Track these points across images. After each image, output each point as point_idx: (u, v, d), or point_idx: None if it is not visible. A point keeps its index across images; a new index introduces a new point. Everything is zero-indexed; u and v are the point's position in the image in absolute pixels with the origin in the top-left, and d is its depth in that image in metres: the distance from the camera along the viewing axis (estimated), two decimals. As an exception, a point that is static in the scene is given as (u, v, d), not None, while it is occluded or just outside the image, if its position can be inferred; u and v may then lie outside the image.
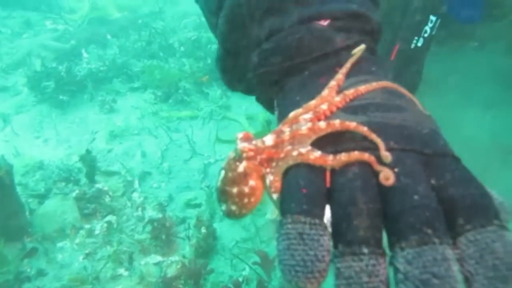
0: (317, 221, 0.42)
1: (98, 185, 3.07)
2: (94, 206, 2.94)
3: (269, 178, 0.48)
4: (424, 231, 0.38)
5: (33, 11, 5.30)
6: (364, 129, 0.45)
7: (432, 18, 2.37)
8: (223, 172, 0.52)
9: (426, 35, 2.40)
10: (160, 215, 2.79)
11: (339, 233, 0.41)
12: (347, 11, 0.60)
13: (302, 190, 0.44)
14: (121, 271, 2.56)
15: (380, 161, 0.43)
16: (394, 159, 0.43)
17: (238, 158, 0.51)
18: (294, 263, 0.40)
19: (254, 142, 0.51)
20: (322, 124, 0.48)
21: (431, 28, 2.39)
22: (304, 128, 0.48)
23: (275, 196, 0.47)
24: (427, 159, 0.44)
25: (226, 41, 0.68)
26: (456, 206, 0.40)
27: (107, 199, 3.01)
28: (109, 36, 4.78)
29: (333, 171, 0.45)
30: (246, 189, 0.50)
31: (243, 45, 0.65)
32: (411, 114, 0.50)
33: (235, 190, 0.51)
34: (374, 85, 0.53)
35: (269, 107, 0.66)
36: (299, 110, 0.52)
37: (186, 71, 4.01)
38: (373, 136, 0.45)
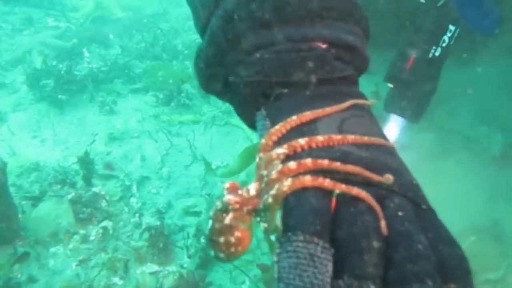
0: (327, 245, 0.41)
1: (94, 189, 2.97)
2: (89, 211, 2.84)
3: (264, 226, 0.48)
4: (426, 282, 0.39)
5: (35, 8, 5.22)
6: (350, 167, 0.45)
7: (451, 27, 2.28)
8: (211, 222, 0.53)
9: (444, 44, 2.32)
10: (158, 223, 2.69)
11: (347, 265, 0.40)
12: (345, 41, 0.60)
13: (316, 210, 0.43)
14: (116, 279, 2.46)
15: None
16: (398, 202, 0.44)
17: (225, 210, 0.51)
18: (301, 285, 0.39)
19: (240, 192, 0.51)
20: (292, 164, 0.47)
21: (450, 38, 2.30)
22: (274, 173, 0.48)
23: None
24: (417, 209, 0.46)
25: (215, 40, 0.65)
26: (443, 264, 0.41)
27: (104, 203, 2.91)
28: (111, 36, 4.70)
29: (341, 199, 0.45)
30: (233, 240, 0.51)
31: (232, 47, 0.62)
32: (399, 164, 0.52)
33: (222, 240, 0.52)
34: (366, 139, 0.52)
35: (247, 117, 0.65)
36: (276, 150, 0.51)
37: (189, 74, 3.93)
38: (367, 173, 0.45)
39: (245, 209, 0.51)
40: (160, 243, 2.57)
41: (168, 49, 4.43)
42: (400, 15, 2.72)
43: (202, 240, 2.44)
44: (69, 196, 2.84)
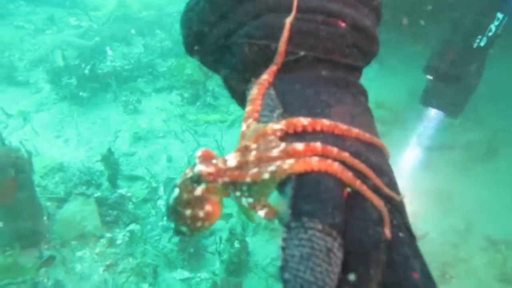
0: (343, 243, 0.38)
1: (120, 191, 2.86)
2: (116, 213, 2.73)
3: (248, 201, 0.45)
4: None
5: (57, 7, 5.18)
6: (363, 167, 0.43)
7: (499, 15, 2.10)
8: (177, 191, 0.49)
9: (490, 34, 2.13)
10: (187, 226, 2.56)
11: (350, 271, 0.37)
12: (365, 27, 0.56)
13: (336, 200, 0.40)
14: (145, 286, 2.33)
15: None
16: (398, 224, 0.42)
17: (196, 180, 0.47)
18: (311, 280, 0.35)
19: (214, 161, 0.46)
20: (299, 145, 0.43)
21: (497, 27, 2.12)
22: (275, 151, 0.44)
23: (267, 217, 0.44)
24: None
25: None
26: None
27: (130, 206, 2.80)
28: (134, 33, 4.62)
29: (353, 196, 0.41)
30: (201, 214, 0.47)
31: (237, 5, 0.57)
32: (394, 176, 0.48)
33: (188, 212, 0.47)
34: (367, 136, 0.48)
35: (238, 84, 0.58)
36: (270, 124, 0.47)
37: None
38: (371, 174, 0.43)
39: (220, 180, 0.45)
40: (191, 248, 2.44)
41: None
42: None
43: (236, 245, 2.30)
44: (95, 198, 2.74)
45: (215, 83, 3.71)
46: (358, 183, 0.41)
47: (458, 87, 2.29)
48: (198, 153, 0.48)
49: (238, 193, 0.45)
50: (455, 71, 2.21)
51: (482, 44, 2.14)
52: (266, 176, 0.43)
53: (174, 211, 0.49)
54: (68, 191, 2.83)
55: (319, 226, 0.37)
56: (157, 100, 3.77)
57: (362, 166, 0.43)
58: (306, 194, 0.40)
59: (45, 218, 2.62)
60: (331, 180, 0.41)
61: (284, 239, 0.38)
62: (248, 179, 0.44)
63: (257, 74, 0.54)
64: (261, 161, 0.44)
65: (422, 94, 2.39)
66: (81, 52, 4.23)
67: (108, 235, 2.61)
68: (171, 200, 0.49)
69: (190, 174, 0.48)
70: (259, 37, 0.54)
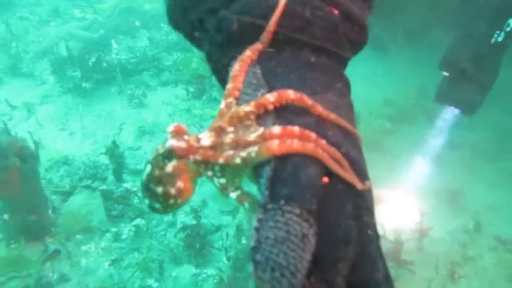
0: (317, 231, 0.37)
1: (126, 185, 2.84)
2: (121, 208, 2.71)
3: (220, 181, 0.44)
4: None
5: (62, -1, 5.13)
6: (332, 150, 0.42)
7: None
8: (148, 167, 0.48)
9: (508, 29, 2.09)
10: (193, 222, 2.55)
11: (319, 266, 0.36)
12: (357, 18, 0.55)
13: (315, 187, 0.39)
14: (151, 281, 2.32)
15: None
16: (369, 221, 0.42)
17: (167, 155, 0.46)
18: (284, 264, 0.34)
19: (187, 137, 0.46)
20: (276, 129, 0.42)
21: None
22: (253, 136, 0.43)
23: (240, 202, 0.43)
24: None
25: None
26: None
27: (135, 200, 2.78)
28: (138, 25, 4.58)
29: (330, 185, 0.41)
30: (173, 191, 0.47)
31: None
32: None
33: (159, 189, 0.47)
34: (341, 120, 0.47)
35: (220, 59, 0.56)
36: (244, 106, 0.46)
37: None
38: (345, 164, 0.42)
39: (191, 158, 0.45)
40: (197, 243, 2.42)
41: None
42: None
43: (243, 241, 2.28)
44: (100, 192, 2.71)
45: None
46: (336, 167, 0.41)
47: (475, 84, 2.25)
48: (170, 128, 0.47)
49: (210, 173, 0.45)
50: (472, 67, 2.17)
51: (500, 39, 2.09)
52: (239, 159, 0.42)
53: (147, 188, 0.48)
54: (73, 184, 2.81)
55: (297, 211, 0.36)
56: (163, 94, 3.74)
57: (338, 155, 0.42)
58: (284, 178, 0.39)
59: (50, 211, 2.60)
60: (311, 166, 0.40)
61: (259, 220, 0.36)
62: (221, 160, 0.43)
63: (241, 51, 0.53)
64: (238, 144, 0.44)
65: (437, 91, 2.35)
66: (86, 45, 4.20)
67: (114, 229, 2.59)
68: (143, 177, 0.49)
69: (161, 150, 0.47)
70: (250, 14, 0.53)
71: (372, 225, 0.42)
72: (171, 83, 3.85)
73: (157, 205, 0.48)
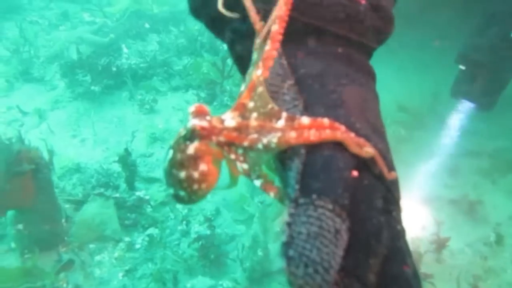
0: (349, 225, 0.37)
1: (138, 193, 2.82)
2: (134, 217, 2.69)
3: (243, 166, 0.43)
4: None
5: (71, 3, 5.13)
6: (370, 149, 0.41)
7: None
8: (171, 152, 0.46)
9: None
10: (208, 232, 2.52)
11: (350, 262, 0.36)
12: (385, 9, 0.54)
13: (346, 181, 0.38)
14: (165, 293, 2.30)
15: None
16: (398, 212, 0.42)
17: (189, 137, 0.44)
18: (318, 260, 0.34)
19: (209, 118, 0.45)
20: (305, 120, 0.41)
21: None
22: (280, 123, 0.42)
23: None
24: None
25: None
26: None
27: (148, 209, 2.76)
28: (148, 29, 4.56)
29: (360, 177, 0.40)
30: (196, 174, 0.45)
31: None
32: None
33: (182, 174, 0.45)
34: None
35: (245, 48, 0.54)
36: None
37: (228, 71, 3.73)
38: (379, 159, 0.41)
39: (214, 139, 0.43)
40: (211, 254, 2.39)
41: (207, 45, 4.26)
42: None
43: (259, 253, 2.25)
44: (113, 200, 2.70)
45: (232, 83, 3.65)
46: (371, 150, 0.39)
47: (491, 78, 2.21)
48: (192, 108, 0.45)
49: (232, 156, 0.43)
50: (489, 61, 2.13)
51: None
52: (261, 145, 0.41)
53: (170, 175, 0.46)
54: (86, 192, 2.79)
55: (330, 206, 0.36)
56: (173, 99, 3.72)
57: (370, 148, 0.41)
58: (316, 171, 0.38)
59: (63, 220, 2.59)
60: (342, 158, 0.39)
61: (291, 215, 0.36)
62: (246, 143, 0.42)
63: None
64: (263, 128, 0.43)
65: (453, 85, 2.30)
66: (96, 49, 4.18)
67: (127, 239, 2.57)
68: (166, 163, 0.47)
69: (183, 133, 0.45)
70: (274, 3, 0.51)
71: (400, 220, 0.42)
72: (181, 88, 3.83)
73: (182, 193, 0.46)
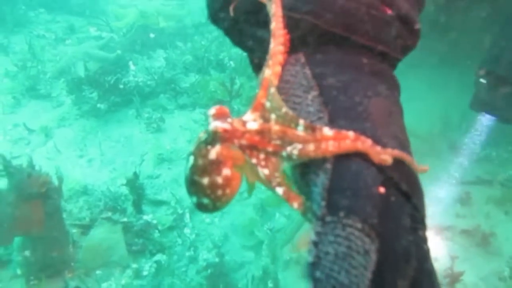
0: (378, 246, 0.34)
1: (146, 217, 2.79)
2: (142, 242, 2.66)
3: (264, 172, 0.41)
4: None
5: (77, 16, 5.13)
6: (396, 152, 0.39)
7: None
8: (192, 158, 0.45)
9: None
10: (216, 259, 2.49)
11: (377, 281, 0.33)
12: (412, 20, 0.52)
13: (375, 198, 0.36)
14: (173, 323, 2.27)
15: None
16: (424, 231, 0.40)
17: (210, 140, 0.43)
18: (346, 283, 0.32)
19: (230, 120, 0.43)
20: (329, 132, 0.40)
21: None
22: (301, 131, 0.41)
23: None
24: None
25: None
26: None
27: (156, 234, 2.73)
28: (155, 45, 4.56)
29: (387, 194, 0.38)
30: (219, 180, 0.44)
31: None
32: None
33: (205, 180, 0.44)
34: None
35: (262, 61, 0.52)
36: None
37: (236, 90, 3.71)
38: (415, 165, 0.40)
39: (236, 142, 0.42)
40: (220, 283, 2.36)
41: (213, 62, 4.25)
42: None
43: (270, 285, 2.22)
44: (120, 225, 2.67)
45: (239, 102, 3.63)
46: (395, 153, 0.38)
47: None
48: (212, 110, 0.44)
49: (254, 160, 0.42)
50: (511, 74, 2.12)
51: None
52: (285, 153, 0.40)
53: (192, 182, 0.45)
54: (93, 216, 2.76)
55: (359, 225, 0.34)
56: (180, 118, 3.70)
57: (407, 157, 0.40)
58: (343, 188, 0.37)
59: (70, 245, 2.56)
60: (370, 174, 0.38)
61: (318, 233, 0.34)
62: (270, 148, 0.41)
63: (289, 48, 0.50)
64: (285, 134, 0.41)
65: (473, 99, 2.29)
66: (102, 65, 4.17)
67: (134, 265, 2.54)
68: (187, 171, 0.45)
69: (204, 137, 0.43)
70: (299, 10, 0.50)
71: (426, 239, 0.40)
72: (188, 106, 3.81)
73: (206, 200, 0.45)
